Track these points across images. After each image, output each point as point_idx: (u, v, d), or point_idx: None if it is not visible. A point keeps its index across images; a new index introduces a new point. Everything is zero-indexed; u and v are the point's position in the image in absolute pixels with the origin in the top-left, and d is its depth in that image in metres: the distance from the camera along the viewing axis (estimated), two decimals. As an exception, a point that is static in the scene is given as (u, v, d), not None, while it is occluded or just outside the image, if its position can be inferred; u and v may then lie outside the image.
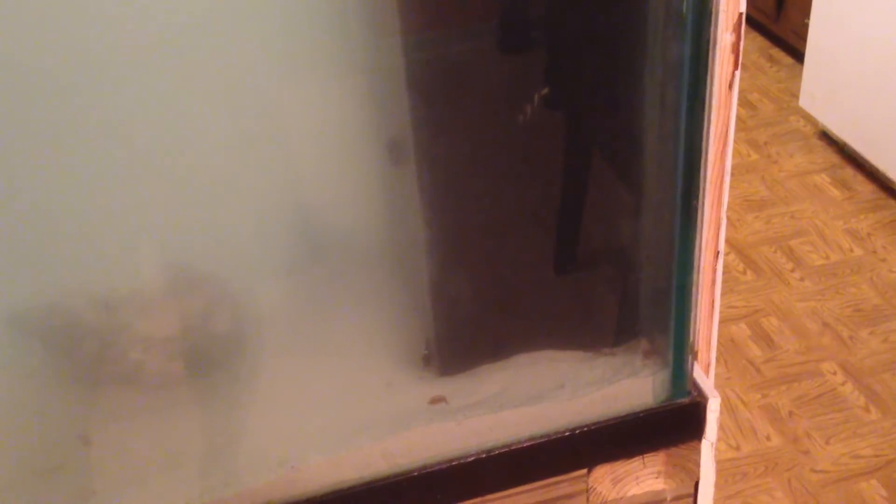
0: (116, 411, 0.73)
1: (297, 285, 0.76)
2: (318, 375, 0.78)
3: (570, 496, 0.82)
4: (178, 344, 0.73)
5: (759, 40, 3.34)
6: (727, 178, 0.77)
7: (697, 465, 0.84)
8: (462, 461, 0.77)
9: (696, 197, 0.73)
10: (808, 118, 2.85)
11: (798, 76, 2.89)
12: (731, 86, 0.73)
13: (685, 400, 0.81)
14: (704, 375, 0.82)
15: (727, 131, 0.74)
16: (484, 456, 0.77)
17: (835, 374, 2.01)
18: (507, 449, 0.78)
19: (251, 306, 0.75)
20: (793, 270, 2.31)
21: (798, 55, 3.09)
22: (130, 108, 0.64)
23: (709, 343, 0.84)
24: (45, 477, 0.72)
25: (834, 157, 2.70)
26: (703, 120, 0.70)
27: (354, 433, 0.78)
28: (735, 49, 0.72)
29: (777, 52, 3.28)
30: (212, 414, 0.76)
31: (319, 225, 0.74)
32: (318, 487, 0.75)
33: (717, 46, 0.69)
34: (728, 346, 2.10)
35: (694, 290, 0.77)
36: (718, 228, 0.78)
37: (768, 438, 1.88)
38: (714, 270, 0.80)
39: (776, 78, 3.14)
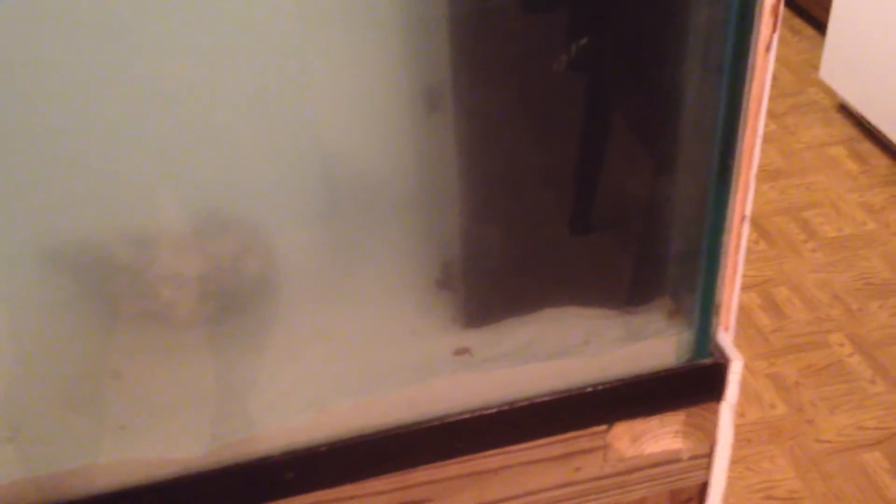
0: (146, 348, 0.74)
1: (326, 231, 0.76)
2: (345, 321, 0.79)
3: (587, 451, 0.82)
4: (207, 284, 0.74)
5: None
6: (759, 143, 0.76)
7: (715, 426, 0.85)
8: (484, 412, 0.78)
9: (733, 157, 0.73)
10: (828, 90, 2.83)
11: (819, 48, 2.86)
12: (768, 48, 0.72)
13: (707, 361, 0.81)
14: (727, 338, 0.83)
15: (762, 94, 0.74)
16: (506, 408, 0.78)
17: (842, 345, 2.02)
18: (528, 402, 0.78)
19: (281, 250, 0.76)
20: (805, 241, 2.31)
21: (820, 26, 3.06)
22: (165, 46, 0.63)
23: (729, 307, 0.84)
24: (76, 410, 0.73)
25: (852, 131, 2.69)
26: (744, 81, 0.70)
27: (379, 380, 0.78)
28: (775, 11, 0.71)
29: (799, 23, 3.25)
30: (238, 355, 0.77)
31: (351, 171, 0.74)
32: (341, 432, 0.76)
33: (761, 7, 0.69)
34: (737, 314, 2.11)
35: (722, 252, 0.78)
36: (747, 192, 0.78)
37: (773, 407, 1.89)
38: (739, 235, 0.80)
39: (797, 48, 3.11)
